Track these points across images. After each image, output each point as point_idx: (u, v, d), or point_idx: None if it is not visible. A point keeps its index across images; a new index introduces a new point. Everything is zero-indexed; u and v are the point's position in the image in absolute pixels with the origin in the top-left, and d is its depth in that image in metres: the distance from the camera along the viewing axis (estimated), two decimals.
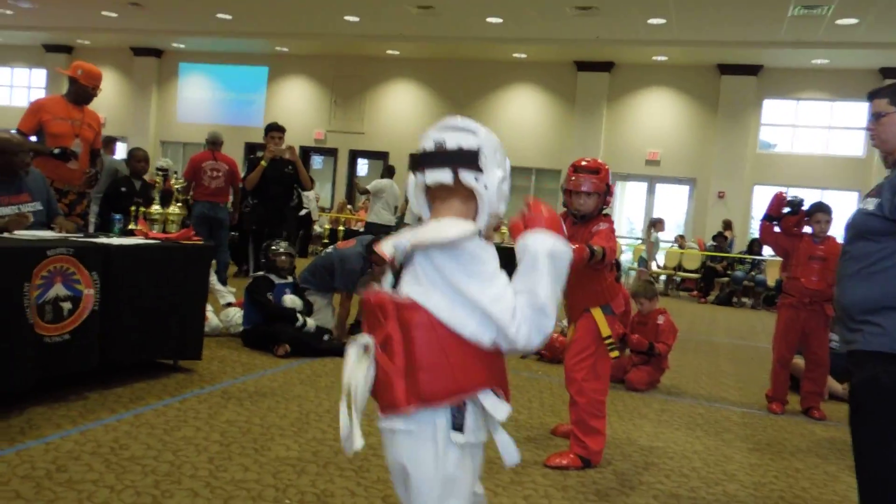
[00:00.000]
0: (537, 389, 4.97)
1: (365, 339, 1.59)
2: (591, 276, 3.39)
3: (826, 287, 4.64)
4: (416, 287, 1.53)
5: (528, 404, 4.54)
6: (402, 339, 1.51)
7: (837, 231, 4.13)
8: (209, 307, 5.03)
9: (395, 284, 1.58)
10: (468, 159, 1.56)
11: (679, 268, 13.93)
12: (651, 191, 16.66)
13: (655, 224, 13.21)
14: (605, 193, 3.42)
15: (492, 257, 1.52)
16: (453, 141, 1.58)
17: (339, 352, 5.30)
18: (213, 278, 5.71)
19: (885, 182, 2.39)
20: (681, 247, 14.44)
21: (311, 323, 5.36)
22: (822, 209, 5.03)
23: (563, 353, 5.79)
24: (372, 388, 1.57)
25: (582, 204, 3.41)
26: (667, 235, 16.61)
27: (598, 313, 3.45)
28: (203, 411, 3.69)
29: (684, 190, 16.57)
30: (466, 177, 1.56)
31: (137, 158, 6.32)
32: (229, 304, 5.99)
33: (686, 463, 3.67)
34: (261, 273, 5.56)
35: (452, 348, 1.50)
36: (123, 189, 6.12)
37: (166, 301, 4.18)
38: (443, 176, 1.57)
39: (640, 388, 5.18)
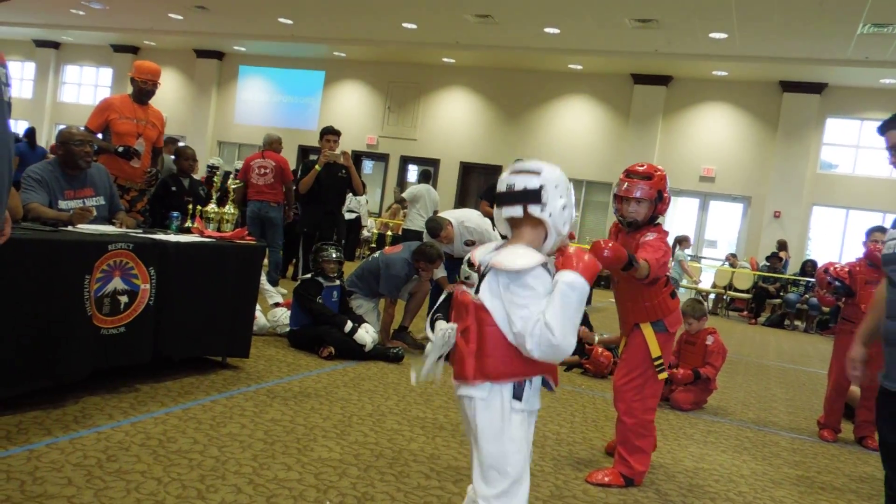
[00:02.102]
0: (580, 404, 4.91)
1: (452, 325, 2.08)
2: (641, 289, 3.24)
3: None
4: (488, 294, 1.99)
5: (571, 418, 4.49)
6: (476, 331, 1.99)
7: None
8: (258, 307, 5.12)
9: (477, 289, 2.03)
10: (532, 197, 2.01)
11: (730, 287, 13.62)
12: (704, 207, 16.36)
13: (681, 242, 12.84)
14: (658, 201, 3.22)
15: (542, 284, 1.93)
16: (521, 183, 2.03)
17: (383, 357, 5.34)
18: (263, 278, 5.81)
19: None
20: (732, 266, 14.12)
21: (364, 337, 5.31)
22: (880, 229, 4.87)
23: (607, 369, 5.78)
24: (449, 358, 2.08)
25: (632, 211, 3.24)
26: (718, 253, 16.29)
27: (648, 330, 3.30)
28: (249, 409, 3.75)
29: (738, 208, 16.22)
30: (533, 209, 2.01)
31: (186, 157, 6.47)
32: (277, 305, 6.09)
33: (732, 487, 3.58)
34: (309, 276, 5.63)
35: (510, 345, 1.96)
36: (173, 188, 6.27)
37: (218, 299, 4.27)
38: (514, 212, 2.04)
39: (685, 408, 5.08)
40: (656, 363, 3.30)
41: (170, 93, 20.50)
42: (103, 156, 5.25)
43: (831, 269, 5.00)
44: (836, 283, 4.91)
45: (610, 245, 2.82)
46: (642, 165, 3.31)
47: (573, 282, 1.90)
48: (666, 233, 3.27)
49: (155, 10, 16.74)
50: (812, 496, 3.61)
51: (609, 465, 3.51)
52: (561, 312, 1.87)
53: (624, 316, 3.44)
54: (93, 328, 3.49)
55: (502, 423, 2.00)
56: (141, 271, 3.77)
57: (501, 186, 2.08)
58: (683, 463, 3.87)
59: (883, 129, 2.40)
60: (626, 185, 3.24)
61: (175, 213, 4.75)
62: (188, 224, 4.72)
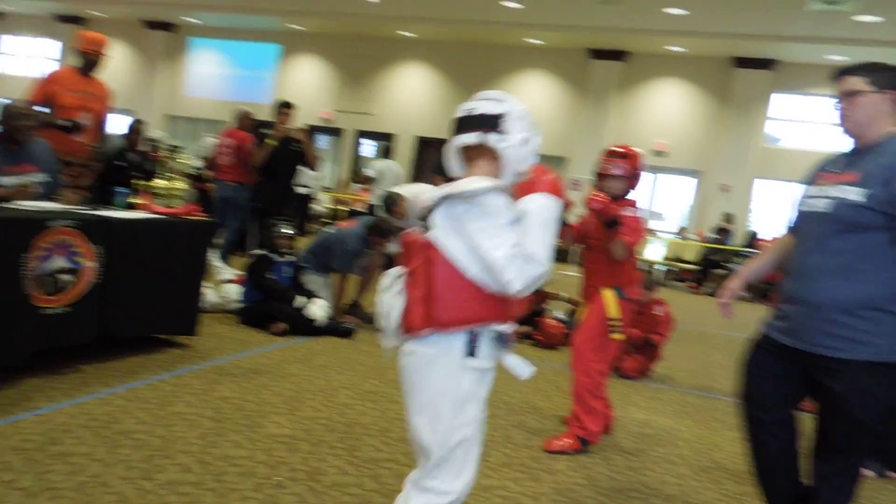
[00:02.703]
0: None
1: (398, 270, 1.90)
2: (609, 258, 3.46)
3: None
4: (441, 231, 1.81)
5: (521, 388, 4.57)
6: (424, 273, 1.81)
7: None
8: (208, 284, 5.06)
9: (427, 229, 1.85)
10: (492, 123, 1.85)
11: (678, 258, 13.93)
12: (655, 181, 16.62)
13: None
14: (634, 178, 3.55)
15: (505, 211, 1.79)
16: (481, 109, 1.88)
17: (334, 332, 5.34)
18: (212, 254, 5.74)
19: (873, 170, 2.22)
20: (681, 238, 14.43)
21: (316, 311, 5.31)
22: None
23: (558, 340, 5.87)
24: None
25: (610, 187, 3.52)
26: (666, 226, 16.59)
27: (608, 294, 3.49)
28: (197, 387, 3.72)
29: (688, 181, 16.53)
30: (491, 139, 1.85)
31: (137, 131, 6.29)
32: (228, 281, 6.02)
33: (674, 450, 3.70)
34: (261, 252, 5.58)
35: (465, 285, 1.80)
36: (118, 163, 6.08)
37: (167, 276, 4.21)
38: (469, 138, 1.87)
39: (631, 376, 5.21)
40: (612, 323, 3.47)
41: (117, 65, 19.89)
42: (45, 130, 5.08)
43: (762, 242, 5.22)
44: None
45: (602, 196, 3.23)
46: (621, 146, 3.65)
47: (545, 203, 1.79)
48: (640, 210, 3.56)
49: None
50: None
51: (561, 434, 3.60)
52: (541, 238, 1.76)
53: (589, 282, 3.64)
54: (32, 309, 3.41)
55: (450, 382, 1.82)
56: (86, 249, 3.69)
57: (460, 112, 1.92)
58: (629, 428, 3.98)
59: (843, 74, 2.37)
60: (604, 164, 3.56)
61: (121, 189, 4.64)
62: (135, 200, 4.63)
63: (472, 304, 1.81)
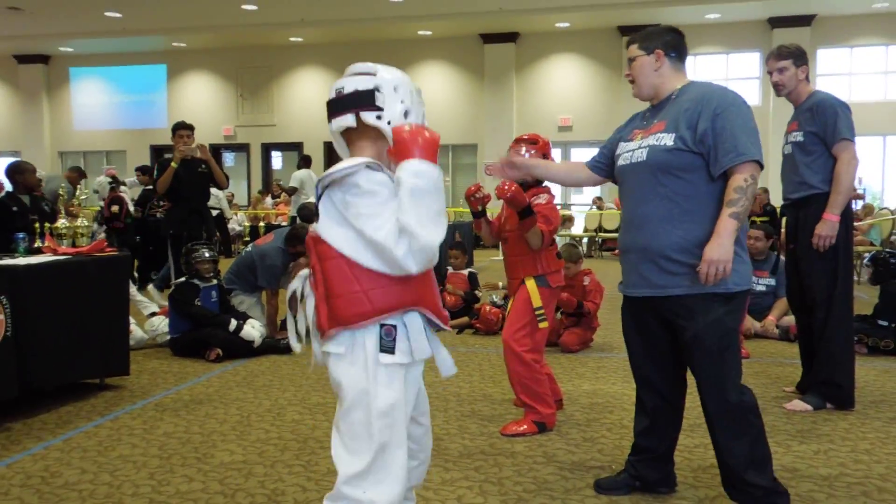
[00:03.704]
0: (476, 363, 5.02)
1: (306, 271, 1.78)
2: (527, 247, 3.48)
3: None
4: (324, 223, 1.69)
5: (469, 378, 4.58)
6: (318, 270, 1.70)
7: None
8: (132, 319, 4.85)
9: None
10: (365, 100, 1.70)
11: (599, 229, 14.28)
12: (566, 156, 16.98)
13: None
14: None
15: (382, 187, 1.65)
16: (351, 86, 1.73)
17: (273, 350, 5.21)
18: (133, 289, 5.50)
19: (676, 116, 2.42)
20: (599, 209, 14.79)
21: (252, 332, 5.16)
22: None
23: (496, 325, 5.93)
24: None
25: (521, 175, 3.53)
26: (585, 199, 17.00)
27: (531, 283, 3.51)
28: (137, 427, 3.56)
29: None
30: (367, 117, 1.71)
31: (26, 171, 5.86)
32: (153, 314, 5.79)
33: (625, 415, 3.78)
34: (183, 279, 5.38)
35: (361, 275, 1.66)
36: (14, 208, 5.64)
37: (86, 318, 4.01)
38: (346, 120, 1.73)
39: (573, 349, 5.31)
40: (537, 313, 3.48)
41: None
42: None
43: None
44: None
45: (513, 187, 3.19)
46: (528, 135, 3.70)
47: (418, 169, 1.62)
48: (552, 195, 3.61)
49: None
50: (695, 410, 3.86)
51: (515, 418, 3.64)
52: (414, 208, 1.58)
53: (512, 273, 3.63)
54: None
55: (366, 382, 1.68)
56: None
57: (331, 92, 1.78)
58: (579, 401, 4.05)
59: (629, 44, 2.68)
60: (515, 151, 3.58)
61: (20, 235, 4.37)
62: (37, 244, 4.37)
63: (374, 295, 1.66)
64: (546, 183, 3.59)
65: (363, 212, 1.62)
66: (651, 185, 2.45)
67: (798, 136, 3.81)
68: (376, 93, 1.72)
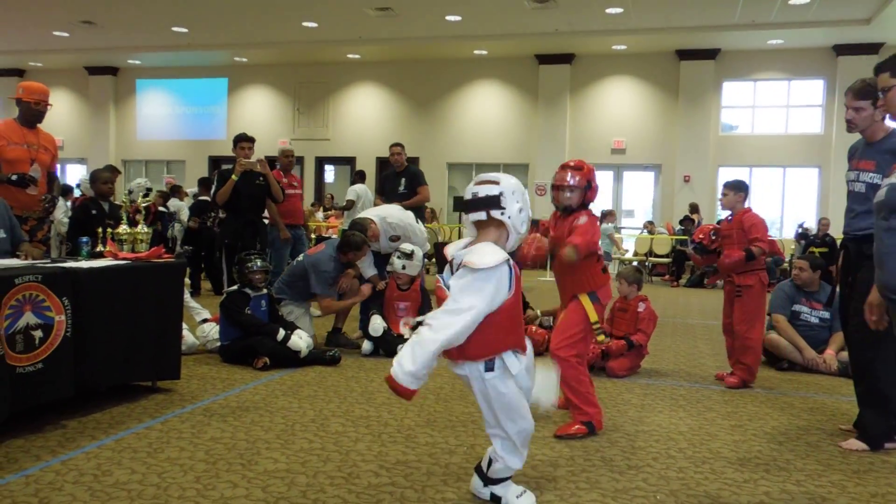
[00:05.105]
0: None
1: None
2: (577, 264, 3.69)
3: (725, 259, 4.94)
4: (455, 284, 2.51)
5: None
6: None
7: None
8: (185, 325, 4.96)
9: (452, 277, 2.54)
10: (493, 203, 2.53)
11: (650, 253, 14.07)
12: (618, 179, 16.83)
13: (607, 216, 13.23)
14: (587, 188, 3.81)
15: (493, 286, 2.47)
16: (483, 192, 2.55)
17: (319, 361, 5.27)
18: (187, 295, 5.63)
19: None
20: (650, 233, 14.59)
21: (299, 343, 5.21)
22: (724, 185, 5.24)
23: (543, 346, 5.87)
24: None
25: (566, 198, 3.80)
26: (636, 222, 16.80)
27: (585, 299, 3.76)
28: (186, 431, 3.64)
29: (650, 176, 16.77)
30: (494, 213, 2.53)
31: (102, 180, 6.17)
32: (205, 321, 5.92)
33: (672, 444, 3.70)
34: (235, 288, 5.49)
35: (481, 326, 2.47)
36: (94, 212, 5.97)
37: (141, 321, 4.12)
38: (479, 216, 2.56)
39: (620, 375, 5.22)
40: (594, 326, 3.75)
41: (64, 114, 19.56)
42: None
43: (698, 231, 5.43)
44: (693, 244, 5.38)
45: (530, 255, 3.55)
46: (574, 161, 3.91)
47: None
48: (595, 216, 3.87)
49: (38, 28, 15.91)
50: (746, 444, 3.77)
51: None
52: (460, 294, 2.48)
53: (564, 289, 3.91)
54: (7, 368, 3.30)
55: (484, 388, 2.61)
56: (54, 303, 3.59)
57: (467, 195, 2.57)
58: (624, 428, 3.98)
59: (877, 70, 2.80)
60: (560, 176, 3.83)
61: (84, 239, 4.53)
62: (100, 248, 4.52)
63: (488, 340, 2.54)
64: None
65: (457, 290, 2.49)
66: (887, 221, 2.67)
67: (876, 179, 3.62)
68: (501, 197, 2.52)
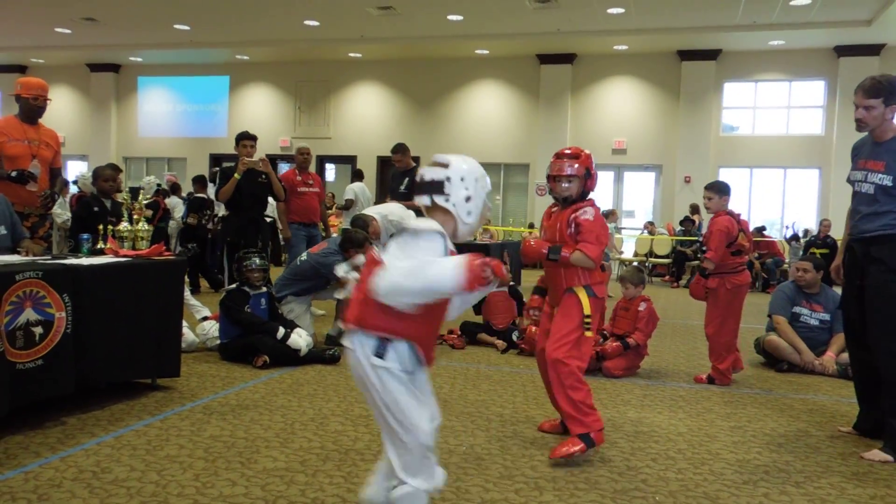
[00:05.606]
0: (520, 384, 4.98)
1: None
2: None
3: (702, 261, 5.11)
4: (390, 251, 2.22)
5: (512, 399, 4.55)
6: (365, 280, 2.18)
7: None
8: (185, 323, 4.97)
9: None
10: (437, 188, 2.27)
11: (650, 254, 14.07)
12: (618, 179, 16.82)
13: (608, 216, 13.18)
14: (586, 177, 3.53)
15: (433, 249, 2.16)
16: (428, 175, 2.30)
17: (319, 360, 5.27)
18: (187, 293, 5.64)
19: None
20: (650, 233, 14.59)
21: (298, 341, 5.21)
22: (705, 187, 5.33)
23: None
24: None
25: (564, 188, 3.53)
26: (636, 222, 16.79)
27: (582, 293, 3.46)
28: (185, 428, 3.64)
29: (651, 177, 16.76)
30: (438, 199, 2.27)
31: (104, 178, 6.17)
32: (205, 318, 5.92)
33: (671, 445, 3.70)
34: (234, 286, 5.50)
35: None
36: (96, 209, 5.97)
37: (141, 319, 4.12)
38: (423, 200, 2.31)
39: (617, 375, 5.23)
40: (585, 320, 3.43)
41: (65, 111, 19.56)
42: None
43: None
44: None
45: (532, 241, 3.47)
46: (570, 148, 3.62)
47: (429, 284, 2.06)
48: (599, 208, 3.59)
49: (40, 25, 15.90)
50: (745, 445, 3.78)
51: (554, 442, 3.59)
52: (403, 274, 2.07)
53: (556, 284, 3.57)
54: (7, 364, 3.30)
55: (366, 372, 2.20)
56: (54, 299, 3.59)
57: (417, 177, 2.34)
58: (624, 428, 3.98)
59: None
60: (557, 166, 3.54)
61: (85, 236, 4.54)
62: (101, 245, 4.52)
63: (392, 318, 2.15)
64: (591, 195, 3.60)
65: (407, 253, 2.15)
66: None
67: (886, 180, 3.58)
68: (445, 182, 2.26)
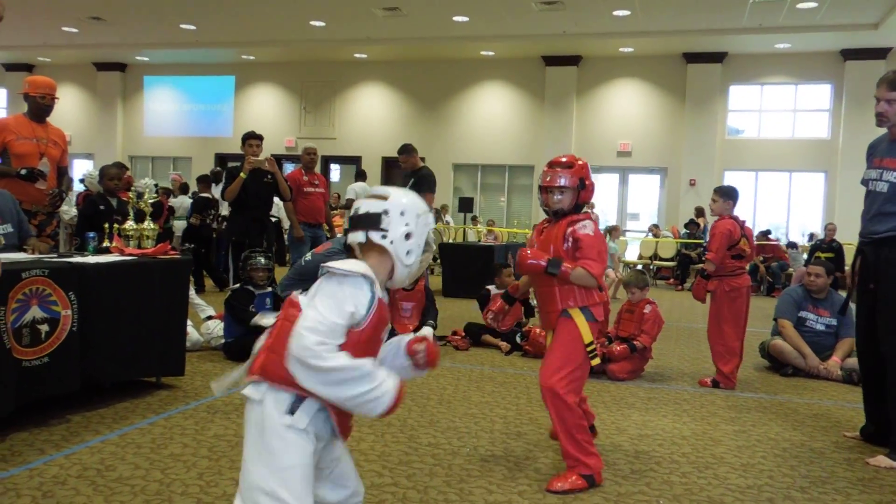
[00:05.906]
0: (524, 385, 4.98)
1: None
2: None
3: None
4: (309, 295, 1.90)
5: (516, 401, 4.55)
6: (279, 327, 1.90)
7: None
8: (189, 322, 4.97)
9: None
10: (373, 222, 1.95)
11: (655, 257, 14.05)
12: (623, 181, 16.81)
13: (611, 231, 13.03)
14: (580, 188, 3.21)
15: (352, 299, 1.84)
16: (364, 208, 1.98)
17: None
18: (192, 292, 5.65)
19: None
20: (655, 236, 14.57)
21: None
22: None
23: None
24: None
25: (556, 201, 3.23)
26: (641, 225, 16.76)
27: (579, 317, 3.14)
28: (189, 427, 3.64)
29: (656, 179, 16.74)
30: (373, 235, 1.95)
31: (110, 176, 6.19)
32: (209, 318, 5.93)
33: (676, 449, 3.70)
34: (239, 285, 5.50)
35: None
36: (101, 207, 6.00)
37: (146, 317, 4.13)
38: (357, 237, 1.98)
39: (622, 378, 5.22)
40: (589, 349, 3.14)
41: (72, 109, 19.62)
42: (4, 180, 4.96)
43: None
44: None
45: (530, 254, 3.15)
46: (564, 157, 3.33)
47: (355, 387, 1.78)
48: (594, 221, 3.27)
49: (47, 24, 15.96)
50: (749, 450, 3.76)
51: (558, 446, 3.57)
52: (321, 380, 1.77)
53: (550, 304, 3.23)
54: (13, 361, 3.31)
55: (262, 431, 1.88)
56: (60, 297, 3.60)
57: (352, 210, 2.06)
58: (628, 431, 3.98)
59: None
60: (549, 176, 3.25)
61: (91, 234, 4.55)
62: (106, 244, 4.53)
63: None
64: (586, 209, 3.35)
65: (316, 302, 1.83)
66: None
67: None
68: (384, 216, 1.95)
